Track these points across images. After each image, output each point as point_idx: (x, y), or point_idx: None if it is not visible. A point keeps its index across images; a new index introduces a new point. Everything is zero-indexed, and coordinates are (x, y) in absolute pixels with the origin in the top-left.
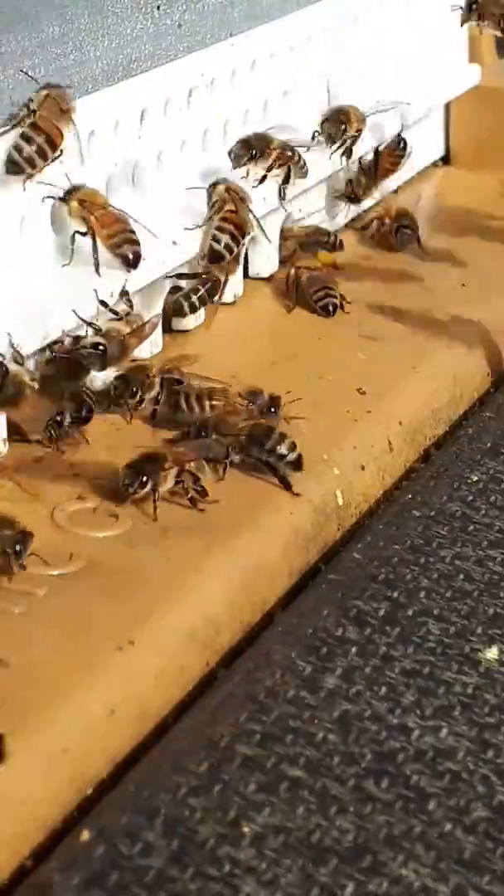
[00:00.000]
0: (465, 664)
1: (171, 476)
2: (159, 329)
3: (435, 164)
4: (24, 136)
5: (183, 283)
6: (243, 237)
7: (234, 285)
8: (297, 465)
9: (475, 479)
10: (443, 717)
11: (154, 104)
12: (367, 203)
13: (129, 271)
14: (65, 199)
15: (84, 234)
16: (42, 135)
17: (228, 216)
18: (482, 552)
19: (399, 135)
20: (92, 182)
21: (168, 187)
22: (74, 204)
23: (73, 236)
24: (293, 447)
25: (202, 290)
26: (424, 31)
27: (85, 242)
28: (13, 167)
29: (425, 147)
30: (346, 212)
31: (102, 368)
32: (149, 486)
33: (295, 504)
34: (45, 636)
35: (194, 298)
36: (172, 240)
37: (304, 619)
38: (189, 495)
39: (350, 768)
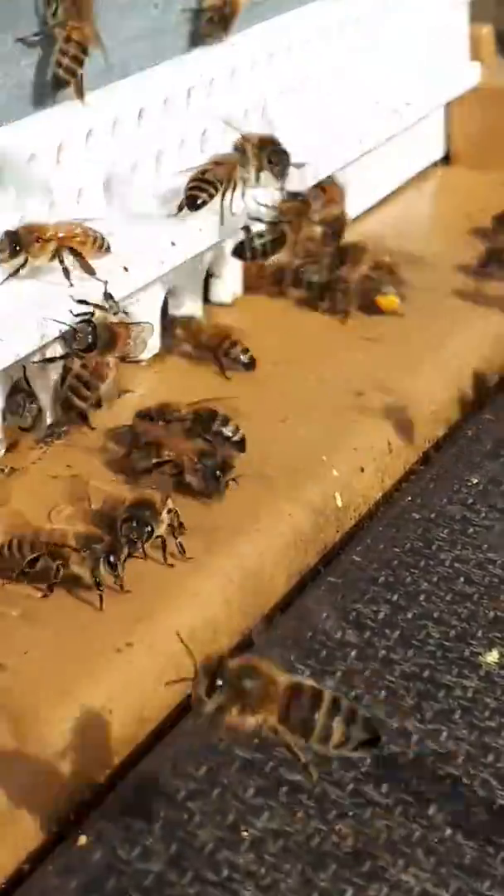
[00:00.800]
0: (466, 667)
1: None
2: (156, 332)
3: (435, 164)
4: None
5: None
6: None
7: (233, 286)
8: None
9: (475, 481)
10: (443, 720)
11: (152, 103)
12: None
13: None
14: None
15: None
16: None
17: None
18: (482, 555)
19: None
20: (90, 180)
21: (166, 186)
22: None
23: None
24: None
25: (266, 238)
26: (426, 31)
27: None
28: None
29: (426, 147)
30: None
31: (90, 349)
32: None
33: (294, 506)
34: (44, 638)
35: (257, 243)
36: (171, 241)
37: (304, 621)
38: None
39: (349, 773)
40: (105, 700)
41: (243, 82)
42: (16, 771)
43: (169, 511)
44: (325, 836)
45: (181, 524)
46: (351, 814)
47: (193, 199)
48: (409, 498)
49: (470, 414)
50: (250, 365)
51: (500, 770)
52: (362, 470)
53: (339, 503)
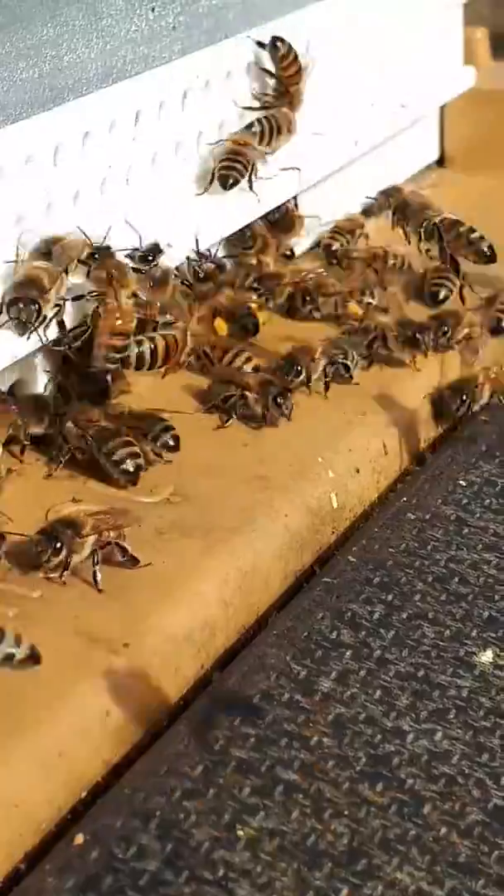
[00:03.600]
0: (460, 667)
1: (87, 545)
2: None
3: (429, 167)
4: None
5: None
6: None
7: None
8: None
9: (470, 482)
10: (438, 720)
11: (148, 106)
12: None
13: None
14: None
15: None
16: None
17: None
18: (477, 555)
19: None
20: (87, 183)
21: (162, 189)
22: None
23: None
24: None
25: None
26: (419, 33)
27: None
28: None
29: (420, 150)
30: None
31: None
32: (62, 555)
33: (290, 507)
34: (40, 639)
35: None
36: (167, 242)
37: (299, 622)
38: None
39: (345, 772)
40: (102, 700)
41: (239, 85)
42: (12, 770)
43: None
44: (320, 835)
45: None
46: (346, 813)
47: (225, 178)
48: (405, 499)
49: (465, 415)
50: None
51: (495, 769)
52: (358, 471)
53: (335, 504)
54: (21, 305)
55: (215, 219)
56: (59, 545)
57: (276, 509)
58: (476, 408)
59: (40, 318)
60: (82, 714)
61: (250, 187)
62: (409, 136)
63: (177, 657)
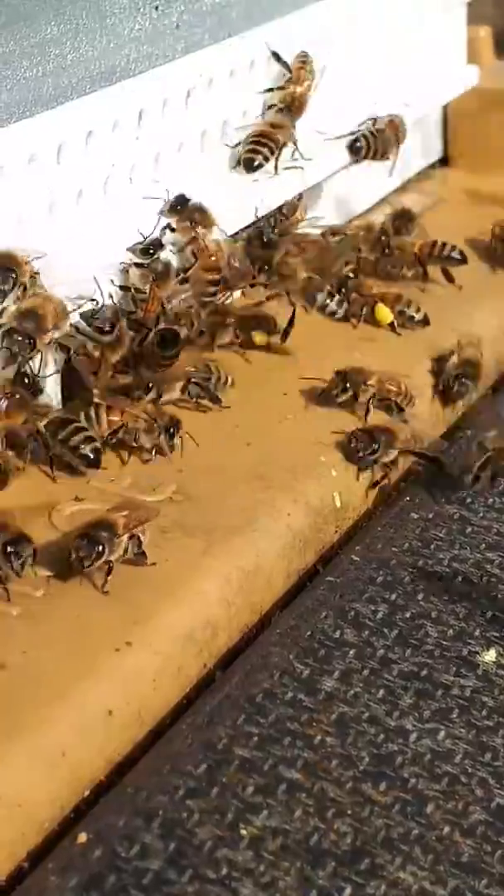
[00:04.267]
0: (463, 667)
1: (122, 544)
2: None
3: (433, 166)
4: None
5: None
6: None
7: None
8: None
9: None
10: (441, 719)
11: (152, 104)
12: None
13: None
14: None
15: None
16: None
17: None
18: (480, 554)
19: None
20: (89, 182)
21: (164, 189)
22: None
23: None
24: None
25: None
26: (423, 32)
27: None
28: None
29: (424, 149)
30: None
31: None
32: (105, 557)
33: (293, 506)
34: (43, 638)
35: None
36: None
37: (302, 621)
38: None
39: (348, 771)
40: (104, 699)
41: (243, 83)
42: (15, 769)
43: None
44: (323, 834)
45: None
46: (349, 812)
47: (250, 161)
48: (408, 498)
49: (468, 414)
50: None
51: (498, 769)
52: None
53: (338, 503)
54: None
55: (217, 218)
56: (101, 548)
57: (279, 508)
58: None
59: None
60: (85, 713)
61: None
62: (413, 136)
63: (179, 656)
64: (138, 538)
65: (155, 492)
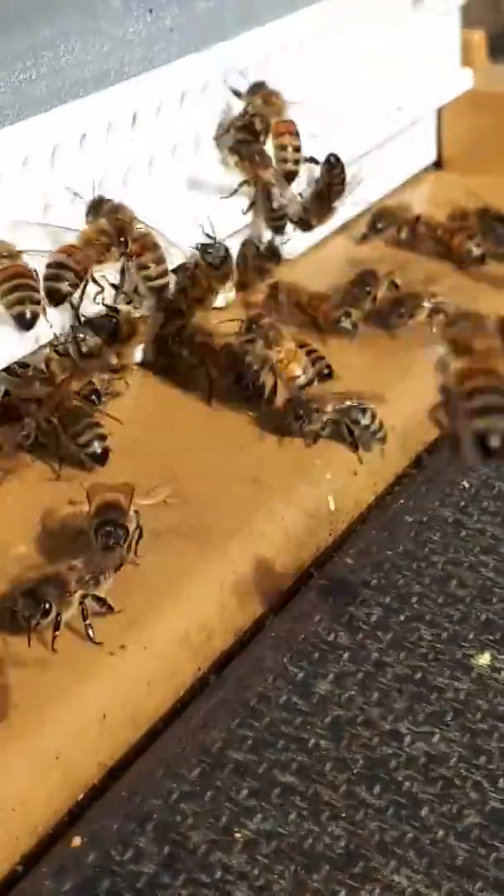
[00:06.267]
0: (458, 670)
1: (75, 601)
2: None
3: (427, 169)
4: None
5: None
6: None
7: (226, 289)
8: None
9: (467, 484)
10: (435, 722)
11: (146, 108)
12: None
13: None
14: None
15: None
16: None
17: None
18: (474, 558)
19: (329, 155)
20: (82, 185)
21: (159, 192)
22: None
23: None
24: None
25: None
26: (416, 35)
27: None
28: None
29: (417, 152)
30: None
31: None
32: (52, 615)
33: (287, 509)
34: (36, 642)
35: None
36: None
37: (297, 624)
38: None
39: (342, 774)
40: (98, 702)
41: (237, 87)
42: (9, 773)
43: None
44: (317, 838)
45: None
46: (343, 815)
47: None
48: (402, 501)
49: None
50: None
51: (492, 772)
52: (355, 473)
53: (332, 507)
54: None
55: (215, 220)
56: (47, 605)
57: (273, 512)
58: None
59: None
60: (79, 716)
61: None
62: (407, 139)
63: (173, 659)
64: (98, 596)
65: (149, 495)
